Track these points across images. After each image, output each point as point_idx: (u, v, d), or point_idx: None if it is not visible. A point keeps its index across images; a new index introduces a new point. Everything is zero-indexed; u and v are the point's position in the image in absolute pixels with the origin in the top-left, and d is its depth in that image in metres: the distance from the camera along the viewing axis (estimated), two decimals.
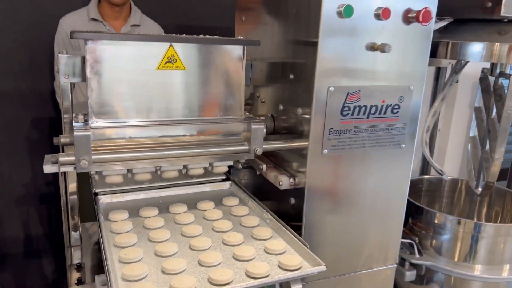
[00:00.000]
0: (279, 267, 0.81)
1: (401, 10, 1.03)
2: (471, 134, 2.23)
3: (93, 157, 0.90)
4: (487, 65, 1.94)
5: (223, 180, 1.27)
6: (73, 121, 0.95)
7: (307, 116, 1.04)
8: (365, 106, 1.05)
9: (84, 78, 1.00)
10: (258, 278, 0.76)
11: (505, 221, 2.12)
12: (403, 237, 1.93)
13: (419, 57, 1.08)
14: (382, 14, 0.98)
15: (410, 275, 1.91)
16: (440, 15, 1.93)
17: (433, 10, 1.05)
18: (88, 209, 1.23)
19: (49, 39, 2.03)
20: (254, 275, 0.77)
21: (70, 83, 1.06)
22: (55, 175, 2.18)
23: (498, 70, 1.84)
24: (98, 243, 1.29)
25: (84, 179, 1.20)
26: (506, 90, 1.83)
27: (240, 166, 1.25)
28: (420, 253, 1.90)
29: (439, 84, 2.38)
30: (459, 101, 3.37)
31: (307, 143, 1.04)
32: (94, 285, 0.98)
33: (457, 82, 2.34)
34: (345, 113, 1.03)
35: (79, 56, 1.02)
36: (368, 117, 1.06)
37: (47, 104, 2.24)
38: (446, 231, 1.88)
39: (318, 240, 1.11)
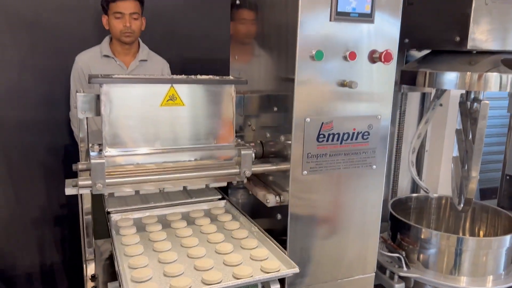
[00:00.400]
0: (261, 270, 0.98)
1: (367, 51, 1.21)
2: (454, 154, 2.40)
3: (107, 180, 1.07)
4: None
5: (219, 199, 1.44)
6: (90, 150, 1.13)
7: (288, 142, 1.21)
8: (338, 134, 1.22)
9: (98, 113, 1.19)
10: (243, 279, 0.93)
11: (488, 235, 2.25)
12: (391, 251, 2.09)
13: (384, 90, 1.26)
14: (349, 56, 1.17)
15: (399, 287, 2.04)
16: (418, 47, 2.13)
17: (394, 51, 1.23)
18: (100, 227, 1.40)
19: (64, 73, 2.25)
20: (240, 276, 0.93)
21: (86, 117, 1.26)
22: (68, 198, 2.36)
23: (472, 96, 2.01)
24: (109, 258, 1.45)
25: (97, 200, 1.38)
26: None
27: (234, 183, 1.42)
28: (407, 266, 2.03)
29: (424, 108, 2.54)
30: (450, 123, 3.54)
31: (289, 166, 1.21)
32: None
33: (441, 105, 2.51)
34: (320, 139, 1.21)
35: (93, 95, 1.21)
36: (341, 142, 1.23)
37: (62, 132, 2.44)
38: (431, 246, 2.02)
39: (302, 251, 1.27)
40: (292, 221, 1.24)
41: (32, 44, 2.29)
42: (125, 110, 1.13)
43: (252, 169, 1.23)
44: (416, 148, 2.46)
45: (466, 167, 2.09)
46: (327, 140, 1.22)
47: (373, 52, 1.21)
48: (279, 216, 1.29)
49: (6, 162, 2.38)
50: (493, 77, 1.82)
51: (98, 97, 1.21)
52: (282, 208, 1.26)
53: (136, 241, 1.13)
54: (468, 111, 2.06)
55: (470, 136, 2.07)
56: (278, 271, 0.96)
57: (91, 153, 1.11)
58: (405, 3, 1.98)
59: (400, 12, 1.24)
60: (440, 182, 3.31)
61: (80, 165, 1.20)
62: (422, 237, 2.03)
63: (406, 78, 2.07)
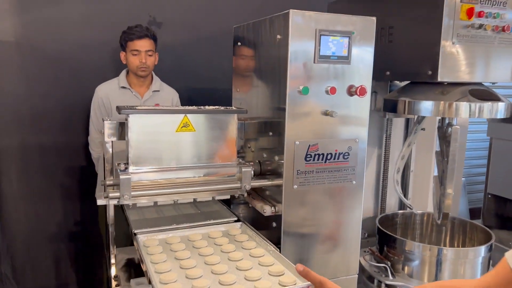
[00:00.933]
0: (279, 284, 1.17)
1: (345, 86, 1.47)
2: (435, 174, 2.63)
3: (132, 193, 1.31)
4: None
5: (235, 221, 1.64)
6: (118, 169, 1.38)
7: (281, 161, 1.46)
8: (323, 154, 1.47)
9: (120, 137, 1.45)
10: None
11: (466, 247, 2.46)
12: (378, 262, 2.30)
13: (361, 117, 1.51)
14: (330, 91, 1.43)
15: None
16: (399, 79, 2.39)
17: (368, 86, 1.49)
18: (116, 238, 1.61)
19: (83, 102, 2.52)
20: None
21: (111, 141, 1.51)
22: (82, 216, 2.58)
23: (447, 121, 2.26)
24: (126, 264, 1.66)
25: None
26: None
27: (236, 197, 1.65)
28: (393, 275, 2.24)
29: (408, 132, 2.78)
30: (438, 147, 3.78)
31: (282, 181, 1.45)
32: (129, 285, 1.36)
33: (423, 129, 2.75)
34: (308, 159, 1.45)
35: (117, 122, 1.46)
36: (325, 161, 1.48)
37: (78, 155, 2.68)
38: (415, 256, 2.23)
39: (295, 254, 1.50)
40: (286, 228, 1.48)
41: (55, 77, 2.56)
42: (147, 135, 1.38)
43: (251, 184, 1.47)
44: (400, 168, 2.69)
45: (443, 185, 2.33)
46: (314, 160, 1.46)
47: (350, 87, 1.47)
48: (274, 224, 1.52)
49: (28, 181, 2.61)
50: (463, 106, 2.08)
51: (120, 124, 1.47)
52: (277, 217, 1.49)
53: (164, 259, 1.28)
54: (444, 134, 2.31)
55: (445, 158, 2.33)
56: (295, 284, 1.16)
57: (119, 171, 1.35)
58: (386, 41, 2.29)
59: (372, 54, 1.51)
60: (429, 199, 3.55)
61: (108, 181, 1.44)
62: (406, 248, 2.25)
63: (389, 106, 2.32)
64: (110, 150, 1.53)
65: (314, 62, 1.40)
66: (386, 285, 2.24)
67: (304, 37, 1.38)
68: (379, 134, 2.73)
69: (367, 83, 1.50)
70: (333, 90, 1.43)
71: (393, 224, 2.61)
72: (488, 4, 2.01)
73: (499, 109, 2.13)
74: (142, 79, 2.30)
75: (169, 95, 2.40)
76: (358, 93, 1.45)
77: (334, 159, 1.49)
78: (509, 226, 3.13)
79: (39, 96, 2.53)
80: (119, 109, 1.37)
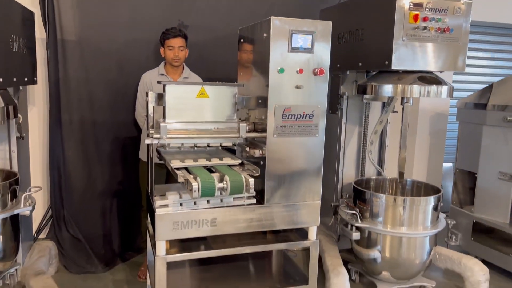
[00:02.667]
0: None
1: (310, 69, 2.16)
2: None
3: (168, 135, 2.04)
4: None
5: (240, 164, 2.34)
6: (158, 121, 2.11)
7: (266, 119, 2.16)
8: (294, 114, 2.16)
9: (158, 104, 2.18)
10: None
11: None
12: (350, 209, 2.96)
13: (321, 90, 2.20)
14: (299, 71, 2.12)
15: (355, 235, 2.92)
16: (368, 68, 3.04)
17: (326, 69, 2.18)
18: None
19: (128, 88, 3.27)
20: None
21: (153, 106, 2.24)
22: (124, 177, 3.33)
23: (404, 101, 2.90)
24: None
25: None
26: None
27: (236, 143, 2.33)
28: (361, 220, 2.90)
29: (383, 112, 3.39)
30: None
31: (266, 133, 2.15)
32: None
33: (395, 112, 3.39)
34: (284, 117, 2.15)
35: (157, 93, 2.20)
36: (296, 119, 2.17)
37: (123, 129, 3.41)
38: (378, 205, 2.88)
39: (275, 182, 2.19)
40: (269, 164, 2.18)
41: (106, 68, 3.31)
42: (177, 99, 2.11)
43: (246, 135, 2.18)
44: (374, 141, 3.37)
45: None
46: (288, 118, 2.16)
47: (314, 69, 2.17)
48: (261, 162, 2.22)
49: (83, 149, 3.36)
50: (414, 88, 2.74)
51: (158, 95, 2.20)
52: (263, 158, 2.20)
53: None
54: (402, 112, 2.97)
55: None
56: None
57: (161, 123, 2.08)
58: (359, 40, 2.96)
59: (329, 47, 2.19)
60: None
61: (151, 130, 2.18)
62: (373, 199, 2.91)
63: (361, 90, 3.01)
64: (152, 111, 2.27)
65: (287, 52, 2.11)
66: (356, 227, 2.91)
67: (281, 34, 2.09)
68: (360, 115, 3.42)
69: (325, 66, 2.18)
70: (301, 71, 2.13)
71: (367, 186, 3.29)
72: (431, 11, 2.67)
73: (443, 91, 2.79)
74: (176, 68, 3.04)
75: (195, 80, 3.13)
76: (318, 73, 2.15)
77: (303, 118, 2.19)
78: (472, 193, 3.73)
79: (94, 82, 3.30)
80: (160, 82, 2.11)
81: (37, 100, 3.35)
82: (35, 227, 3.33)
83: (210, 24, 3.52)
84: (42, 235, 3.41)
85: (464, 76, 4.72)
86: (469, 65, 4.69)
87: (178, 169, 2.07)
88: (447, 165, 4.59)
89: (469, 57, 4.68)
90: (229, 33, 3.47)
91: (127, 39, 3.31)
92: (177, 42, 2.94)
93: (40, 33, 3.14)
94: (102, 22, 3.25)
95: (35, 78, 2.91)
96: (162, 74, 3.05)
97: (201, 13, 3.47)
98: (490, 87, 3.56)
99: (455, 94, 4.58)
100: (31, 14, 2.80)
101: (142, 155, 3.19)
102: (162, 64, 3.09)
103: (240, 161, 2.19)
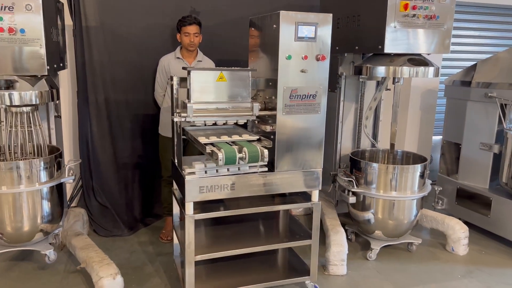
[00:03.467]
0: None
1: (313, 55, 2.51)
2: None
3: (193, 115, 2.42)
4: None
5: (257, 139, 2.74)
6: (186, 102, 2.47)
7: (275, 99, 2.53)
8: (300, 95, 2.53)
9: (181, 86, 2.54)
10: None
11: None
12: (347, 177, 3.35)
13: (323, 74, 2.56)
14: (304, 57, 2.48)
15: (352, 199, 3.33)
16: (365, 51, 3.38)
17: (327, 55, 2.53)
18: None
19: (146, 70, 3.62)
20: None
21: (178, 89, 2.60)
22: (144, 151, 3.73)
23: (396, 80, 3.27)
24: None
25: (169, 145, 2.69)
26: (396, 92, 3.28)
27: (250, 120, 2.72)
28: (357, 186, 3.31)
29: (377, 90, 3.77)
30: (412, 104, 4.81)
31: (276, 112, 2.53)
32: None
33: (388, 89, 3.75)
34: (291, 97, 2.52)
35: (180, 77, 2.55)
36: (302, 99, 2.54)
37: (143, 107, 3.77)
38: (371, 173, 3.28)
39: (284, 152, 2.58)
40: (278, 137, 2.56)
41: (127, 51, 3.64)
42: (200, 83, 2.47)
43: (259, 113, 2.56)
44: (369, 117, 3.74)
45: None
46: (295, 98, 2.53)
47: (317, 55, 2.52)
48: (272, 136, 2.61)
49: (108, 126, 3.72)
50: (404, 69, 3.09)
51: (181, 79, 2.55)
52: (273, 133, 2.58)
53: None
54: (394, 90, 3.34)
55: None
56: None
57: (187, 103, 2.44)
58: (356, 25, 3.30)
59: (330, 36, 2.53)
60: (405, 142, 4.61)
61: (178, 110, 2.55)
62: (368, 167, 3.31)
63: (357, 71, 3.36)
64: (176, 93, 2.63)
65: (294, 41, 2.46)
66: (352, 192, 3.32)
67: (288, 26, 2.43)
68: (356, 93, 3.79)
69: (327, 53, 2.54)
70: (305, 57, 2.49)
71: (362, 157, 3.69)
72: (420, 0, 2.99)
73: (429, 72, 3.15)
74: (191, 52, 3.39)
75: (208, 64, 3.48)
76: (321, 59, 2.51)
77: (307, 98, 2.56)
78: (457, 162, 4.13)
79: (117, 65, 3.63)
80: (185, 68, 2.47)
81: (65, 82, 3.69)
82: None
83: (219, 9, 3.83)
84: (74, 204, 3.82)
85: (454, 54, 5.05)
86: (458, 44, 5.05)
87: (206, 144, 2.44)
88: (437, 137, 4.97)
89: (459, 36, 5.03)
90: (237, 17, 3.80)
91: (145, 24, 3.63)
92: (192, 29, 3.27)
93: (67, 21, 3.45)
94: (122, 9, 3.57)
95: (66, 63, 3.24)
96: (178, 58, 3.39)
97: None
98: (474, 66, 3.92)
99: (447, 71, 4.96)
100: (62, 5, 3.11)
101: (161, 131, 3.56)
102: (178, 48, 3.43)
103: (257, 137, 2.56)
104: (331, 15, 2.52)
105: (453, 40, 4.90)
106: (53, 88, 2.66)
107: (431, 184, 3.45)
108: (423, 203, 3.44)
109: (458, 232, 3.52)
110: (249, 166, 2.54)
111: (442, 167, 4.28)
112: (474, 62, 3.97)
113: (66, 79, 3.68)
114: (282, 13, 2.41)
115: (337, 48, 3.49)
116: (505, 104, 3.59)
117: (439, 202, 4.14)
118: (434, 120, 4.87)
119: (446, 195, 4.17)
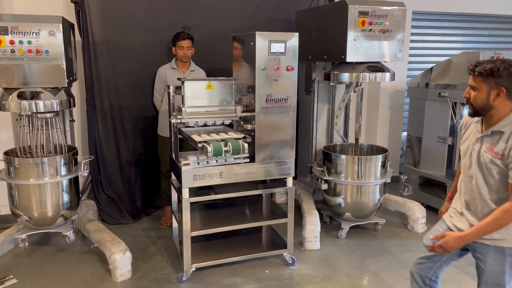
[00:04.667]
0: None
1: (284, 66, 3.08)
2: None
3: (187, 117, 2.98)
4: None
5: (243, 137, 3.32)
6: (181, 107, 3.03)
7: (254, 102, 3.09)
8: (274, 99, 3.10)
9: (176, 94, 3.10)
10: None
11: None
12: (319, 167, 3.93)
13: (292, 81, 3.13)
14: (276, 68, 3.05)
15: (324, 186, 3.90)
16: (331, 60, 3.95)
17: (295, 66, 3.10)
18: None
19: (146, 79, 4.16)
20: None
21: (174, 96, 3.16)
22: (145, 149, 4.32)
23: (358, 84, 3.84)
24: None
25: (167, 144, 3.27)
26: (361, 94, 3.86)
27: (234, 120, 3.31)
28: (328, 174, 3.88)
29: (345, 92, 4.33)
30: (382, 103, 5.39)
31: (254, 113, 3.09)
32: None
33: (355, 92, 4.33)
34: (267, 101, 3.09)
35: (175, 86, 3.11)
36: (275, 102, 3.11)
37: (143, 112, 4.29)
38: (340, 163, 3.85)
39: (263, 146, 3.15)
40: (257, 134, 3.13)
41: (129, 63, 4.18)
42: (192, 90, 3.03)
43: (240, 114, 3.12)
44: (339, 116, 4.32)
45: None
46: (270, 101, 3.10)
47: (287, 66, 3.09)
48: (252, 133, 3.17)
49: (113, 128, 4.26)
50: (364, 75, 3.66)
51: (176, 88, 3.11)
52: (253, 130, 3.15)
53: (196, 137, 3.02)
54: (361, 93, 3.91)
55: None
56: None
57: (182, 107, 3.00)
58: (324, 38, 3.88)
59: (297, 50, 3.10)
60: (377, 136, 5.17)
61: (174, 113, 3.11)
62: (337, 159, 3.89)
63: (326, 76, 3.94)
64: (173, 99, 3.19)
65: (267, 55, 3.02)
66: (324, 180, 3.89)
67: (263, 43, 3.00)
68: (328, 95, 4.36)
69: (295, 64, 3.11)
70: (278, 68, 3.06)
71: (334, 150, 4.26)
72: (375, 17, 3.57)
73: (386, 76, 3.72)
74: (185, 63, 3.94)
75: (200, 73, 4.03)
76: (290, 69, 3.08)
77: (280, 101, 3.13)
78: (420, 154, 4.71)
79: (120, 75, 4.17)
80: (179, 79, 3.04)
81: (76, 91, 4.22)
82: None
83: (209, 24, 4.37)
84: (84, 197, 4.36)
85: (419, 58, 5.64)
86: (423, 48, 5.65)
87: (199, 142, 2.98)
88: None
89: (423, 41, 5.63)
90: (224, 30, 4.36)
91: (144, 39, 4.17)
92: (185, 43, 3.82)
93: (76, 37, 3.99)
94: (123, 26, 4.10)
95: (77, 75, 3.79)
96: (174, 68, 3.95)
97: (200, 16, 4.33)
98: (430, 69, 4.51)
99: (413, 73, 5.54)
100: (72, 25, 3.65)
101: (160, 131, 4.11)
102: (174, 59, 3.98)
103: (243, 135, 3.12)
104: (297, 34, 3.10)
105: (418, 45, 5.55)
106: (70, 97, 3.21)
107: (400, 174, 4.02)
108: (386, 188, 4.02)
109: (416, 212, 4.11)
110: (234, 158, 3.10)
111: (409, 158, 4.87)
112: (434, 64, 4.55)
113: (76, 88, 4.22)
114: (258, 33, 2.98)
115: (310, 57, 4.07)
116: (455, 103, 4.18)
117: (405, 189, 4.72)
118: (402, 117, 5.46)
119: (411, 183, 4.75)
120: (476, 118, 2.01)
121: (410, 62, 5.46)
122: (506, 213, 1.83)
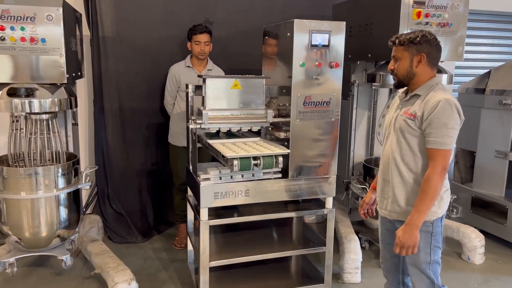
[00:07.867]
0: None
1: (327, 62, 2.54)
2: None
3: (208, 121, 2.45)
4: None
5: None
6: (201, 109, 2.51)
7: (290, 106, 2.55)
8: (314, 101, 2.55)
9: (196, 94, 2.58)
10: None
11: None
12: (360, 184, 3.35)
13: (336, 81, 2.58)
14: (318, 65, 2.50)
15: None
16: (377, 59, 3.40)
17: (340, 62, 2.55)
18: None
19: (160, 79, 3.67)
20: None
21: (192, 96, 2.64)
22: (157, 159, 3.77)
23: None
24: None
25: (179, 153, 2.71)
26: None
27: (264, 127, 2.75)
28: None
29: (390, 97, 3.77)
30: None
31: (289, 118, 2.55)
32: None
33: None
34: (305, 104, 2.54)
35: (195, 85, 2.59)
36: (315, 106, 2.56)
37: (156, 115, 3.83)
38: None
39: (298, 156, 2.60)
40: (292, 144, 2.58)
41: (141, 61, 3.71)
42: (215, 90, 2.51)
43: (272, 119, 2.58)
44: (382, 124, 3.72)
45: None
46: (308, 105, 2.55)
47: (330, 62, 2.54)
48: (286, 143, 2.62)
49: (123, 133, 3.79)
50: None
51: (196, 87, 2.59)
52: (288, 139, 2.60)
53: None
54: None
55: None
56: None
57: (202, 109, 2.48)
58: (368, 33, 3.31)
59: (343, 43, 2.56)
60: None
61: (193, 117, 2.58)
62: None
63: (370, 78, 3.37)
64: (191, 101, 2.67)
65: (308, 48, 2.49)
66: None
67: (302, 34, 2.46)
68: (369, 101, 3.79)
69: (340, 60, 2.56)
70: (319, 64, 2.51)
71: (376, 164, 3.67)
72: (433, 8, 3.01)
73: (443, 79, 3.13)
74: (201, 61, 3.42)
75: (218, 72, 3.51)
76: (334, 66, 2.53)
77: (321, 105, 2.58)
78: (472, 170, 4.09)
79: (132, 75, 3.70)
80: (200, 76, 2.51)
81: (82, 91, 3.77)
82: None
83: (232, 19, 3.88)
84: (89, 211, 3.87)
85: (467, 62, 5.04)
86: (472, 52, 5.03)
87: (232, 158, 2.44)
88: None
89: (472, 44, 5.02)
90: (249, 27, 3.85)
91: (161, 36, 3.69)
92: (203, 37, 3.31)
93: (84, 31, 3.53)
94: (138, 21, 3.64)
95: (83, 72, 3.32)
96: (188, 66, 3.43)
97: (225, 10, 3.84)
98: (488, 73, 3.91)
99: (459, 79, 4.93)
100: (80, 15, 3.19)
101: (171, 139, 3.59)
102: (189, 57, 3.47)
103: (288, 151, 2.56)
104: (344, 23, 2.55)
105: (466, 48, 4.92)
106: (71, 96, 2.72)
107: None
108: None
109: (474, 240, 3.48)
110: (263, 173, 2.55)
111: (457, 175, 4.25)
112: (487, 70, 3.95)
113: (82, 88, 3.76)
114: (296, 21, 2.45)
115: (349, 56, 3.51)
116: None
117: (454, 210, 4.10)
118: None
119: (461, 204, 4.13)
120: (401, 92, 2.11)
121: (456, 67, 4.86)
122: (427, 181, 1.89)
